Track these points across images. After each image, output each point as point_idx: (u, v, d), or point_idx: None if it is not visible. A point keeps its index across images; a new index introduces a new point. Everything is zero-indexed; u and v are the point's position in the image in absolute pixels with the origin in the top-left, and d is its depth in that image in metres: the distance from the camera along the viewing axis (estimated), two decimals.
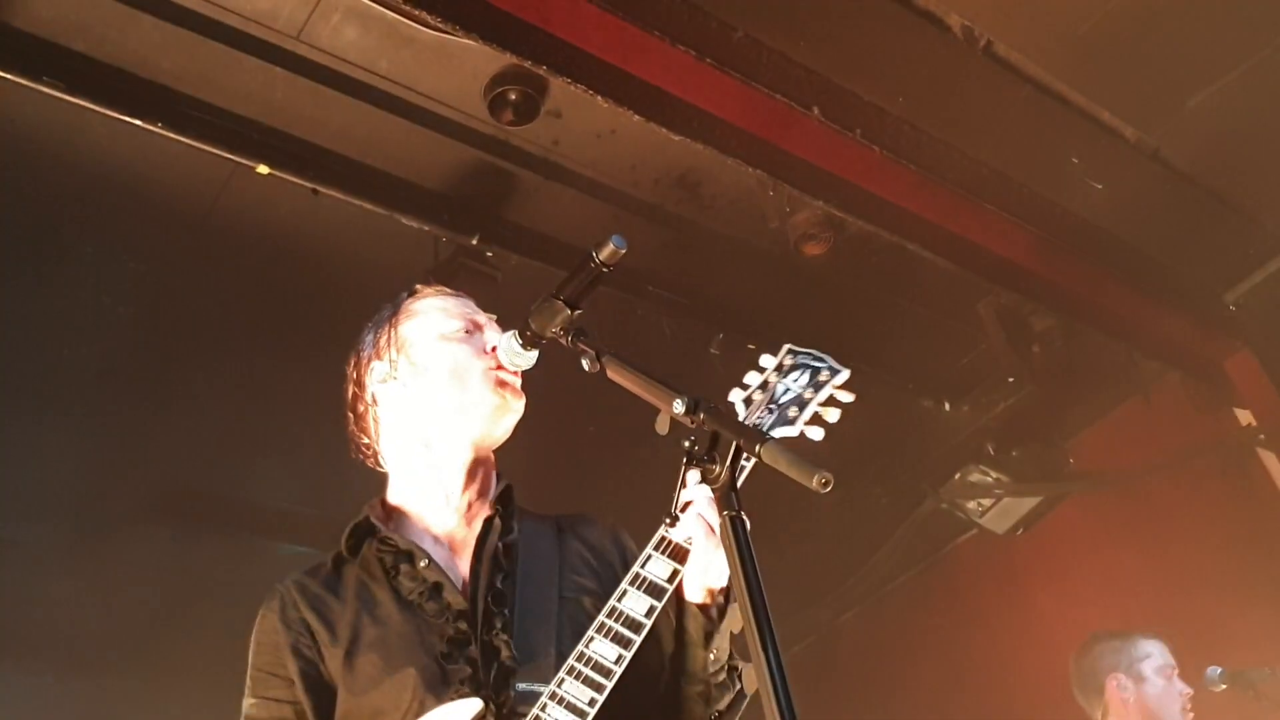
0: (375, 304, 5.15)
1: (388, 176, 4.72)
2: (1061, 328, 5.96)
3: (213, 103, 4.30)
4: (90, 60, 4.05)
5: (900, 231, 4.95)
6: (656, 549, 2.07)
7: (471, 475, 2.39)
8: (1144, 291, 5.71)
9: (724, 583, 2.11)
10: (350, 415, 2.51)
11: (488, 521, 2.35)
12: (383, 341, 2.48)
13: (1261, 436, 5.91)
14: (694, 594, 2.14)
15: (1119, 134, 5.15)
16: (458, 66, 4.32)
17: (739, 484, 1.78)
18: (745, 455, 1.75)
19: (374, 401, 2.47)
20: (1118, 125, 5.13)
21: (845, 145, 4.59)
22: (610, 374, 2.04)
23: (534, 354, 2.30)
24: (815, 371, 2.36)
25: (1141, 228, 5.56)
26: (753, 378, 2.37)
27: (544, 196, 5.00)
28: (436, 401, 2.37)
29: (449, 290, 2.61)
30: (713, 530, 2.02)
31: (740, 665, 2.18)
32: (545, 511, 2.54)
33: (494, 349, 2.39)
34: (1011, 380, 6.09)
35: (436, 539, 2.35)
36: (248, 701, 2.22)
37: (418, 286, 2.62)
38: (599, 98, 3.99)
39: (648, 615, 2.01)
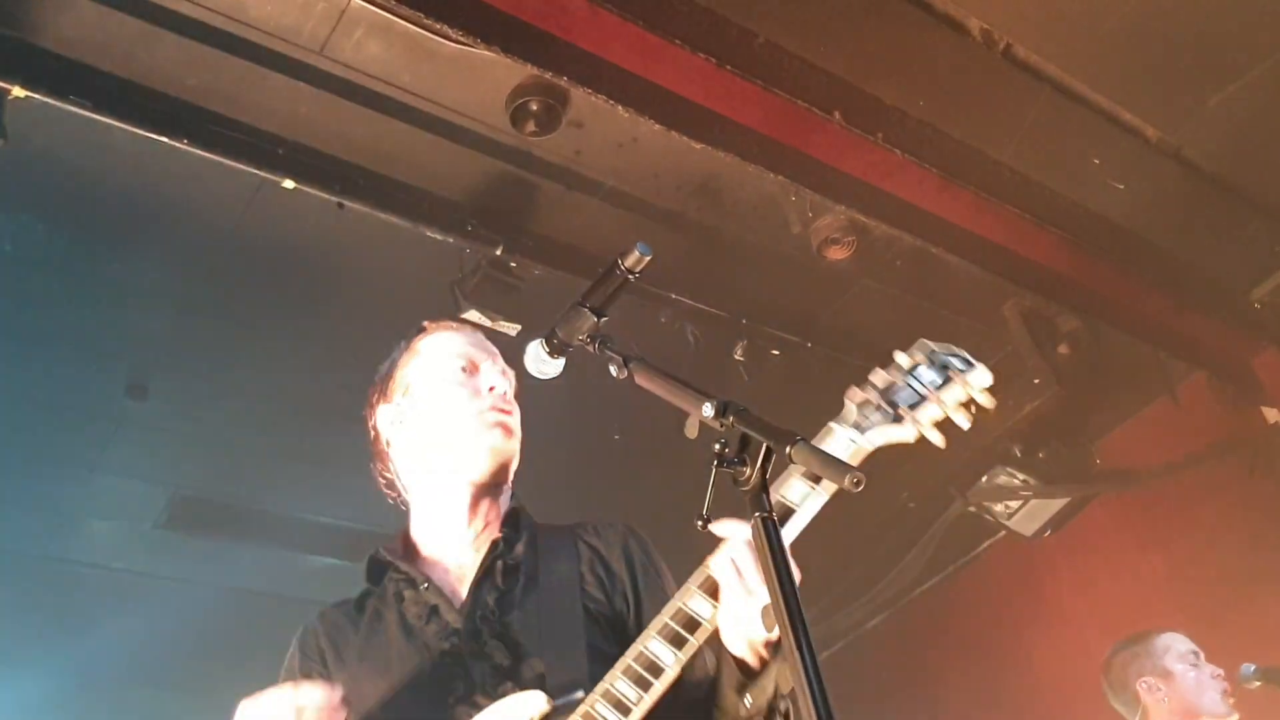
0: (400, 315, 5.20)
1: (412, 189, 4.76)
2: (1087, 329, 5.94)
3: (238, 119, 4.34)
4: (117, 79, 4.11)
5: (923, 234, 4.95)
6: (697, 584, 2.05)
7: (475, 509, 2.43)
8: (1169, 291, 5.68)
9: (768, 636, 2.01)
10: (372, 453, 2.58)
11: (493, 544, 2.39)
12: (390, 384, 2.55)
13: None
14: (733, 644, 2.07)
15: (1140, 134, 5.13)
16: (480, 79, 4.35)
17: (769, 486, 1.76)
18: (777, 456, 1.74)
19: (387, 443, 2.54)
20: (1139, 125, 5.11)
21: (867, 149, 4.60)
22: (639, 379, 2.04)
23: (561, 362, 2.30)
24: (948, 370, 2.21)
25: (1165, 227, 5.53)
26: (877, 376, 2.24)
27: (566, 206, 5.02)
28: (435, 445, 2.43)
29: (454, 325, 2.64)
30: (742, 575, 1.98)
31: (783, 704, 2.13)
32: (569, 519, 2.57)
33: (491, 389, 2.44)
34: (1037, 382, 6.05)
35: (447, 569, 2.41)
36: None
37: (425, 324, 2.66)
38: (620, 107, 4.02)
39: (672, 662, 2.00)
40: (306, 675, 2.27)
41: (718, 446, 1.79)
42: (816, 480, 2.07)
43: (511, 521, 2.46)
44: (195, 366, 5.14)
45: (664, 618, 2.05)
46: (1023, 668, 6.72)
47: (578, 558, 2.43)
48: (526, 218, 5.03)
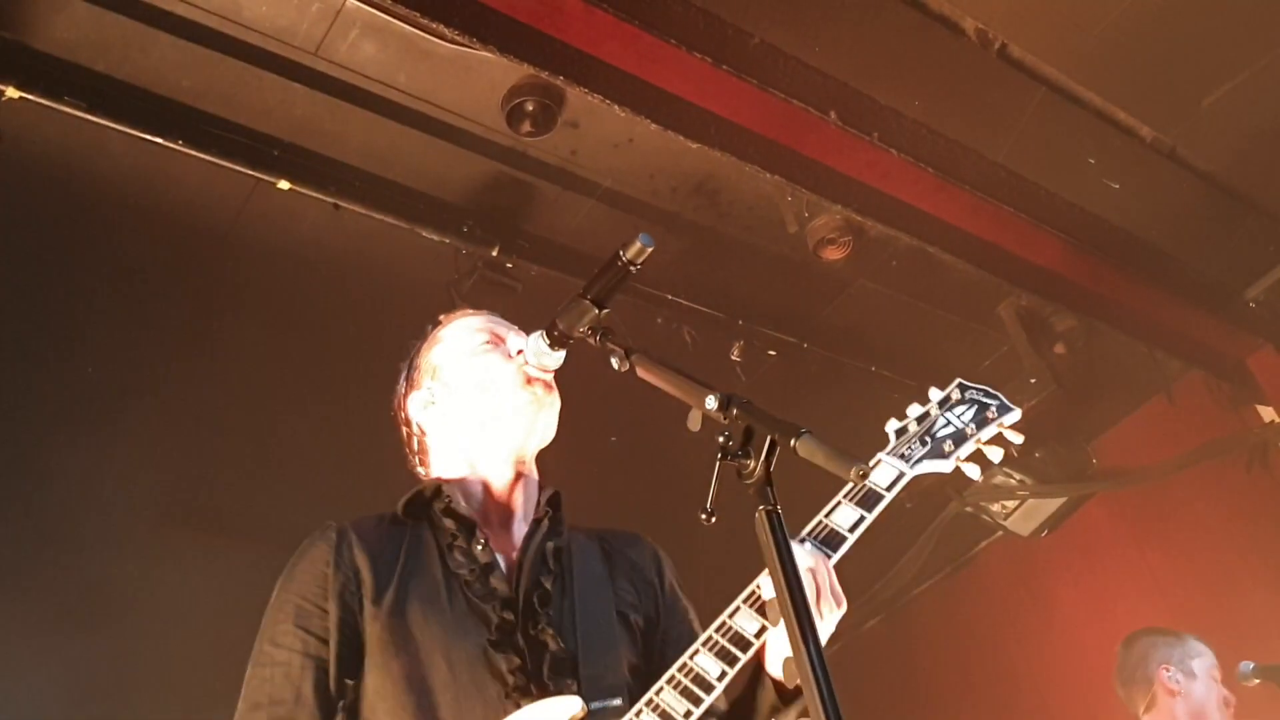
0: (396, 317, 5.19)
1: (408, 190, 4.76)
2: (1083, 328, 5.95)
3: (233, 120, 4.34)
4: (111, 80, 4.10)
5: (919, 234, 4.95)
6: (746, 601, 2.09)
7: (518, 479, 2.43)
8: (1164, 290, 5.68)
9: None
10: (408, 452, 2.57)
11: (536, 522, 2.38)
12: (416, 373, 2.56)
13: None
14: (773, 664, 2.13)
15: (1135, 133, 5.14)
16: (475, 79, 4.35)
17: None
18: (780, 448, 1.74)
19: (422, 431, 2.53)
20: (1134, 125, 5.12)
21: (863, 149, 4.60)
22: (640, 372, 2.04)
23: (562, 354, 2.31)
24: (983, 408, 2.38)
25: (1160, 227, 5.54)
26: (914, 409, 2.40)
27: (563, 207, 5.02)
28: (473, 414, 2.42)
29: (470, 309, 2.66)
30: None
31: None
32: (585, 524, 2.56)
33: (520, 351, 2.41)
34: (1034, 381, 6.06)
35: (495, 534, 2.36)
36: (281, 628, 2.19)
37: (441, 317, 2.68)
38: (616, 107, 4.02)
39: (719, 679, 2.01)
40: (340, 596, 2.19)
41: (721, 439, 1.79)
42: (869, 506, 2.18)
43: (554, 503, 2.45)
44: (191, 367, 5.12)
45: (712, 632, 2.07)
46: (1020, 668, 6.71)
47: (609, 562, 2.44)
48: (523, 218, 5.02)
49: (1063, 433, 6.52)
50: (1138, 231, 5.50)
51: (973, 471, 2.28)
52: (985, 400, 2.39)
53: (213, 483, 5.51)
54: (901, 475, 2.29)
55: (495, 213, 4.93)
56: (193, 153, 4.22)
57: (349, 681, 2.14)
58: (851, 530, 2.20)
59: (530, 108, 4.40)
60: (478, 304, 4.75)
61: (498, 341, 2.50)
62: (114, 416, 5.12)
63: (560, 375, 2.41)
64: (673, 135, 4.18)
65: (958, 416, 2.35)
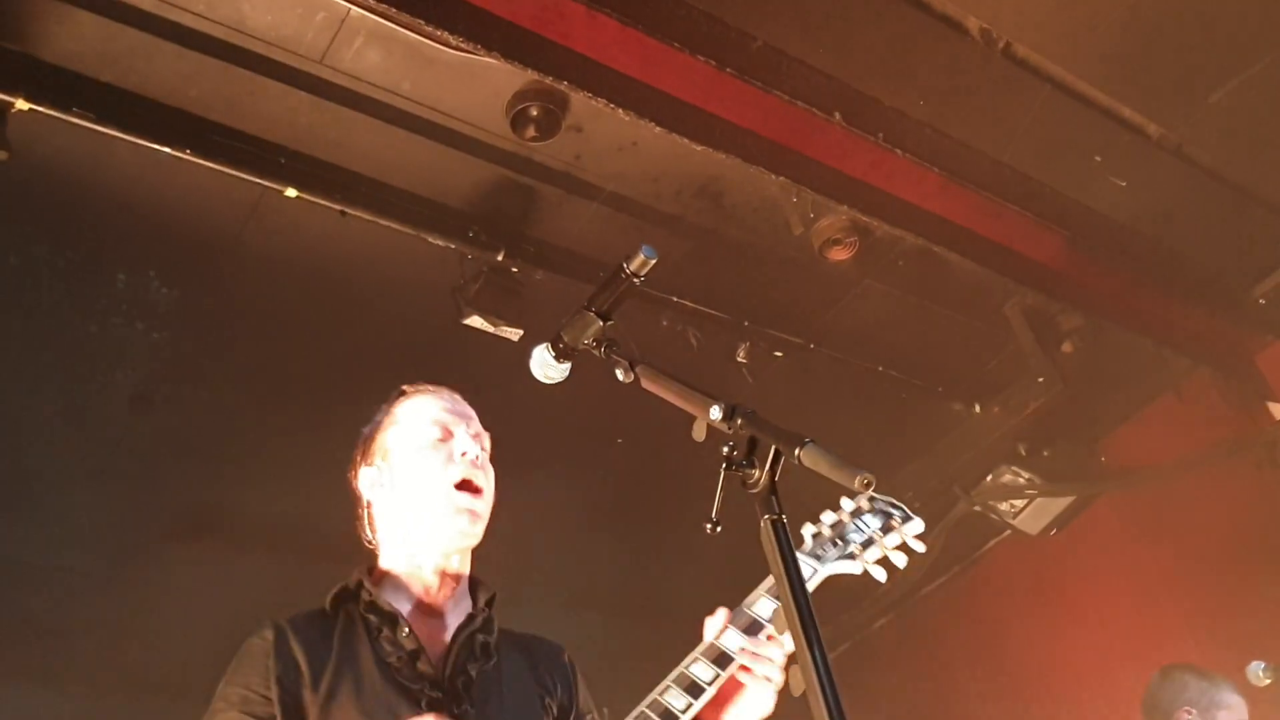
0: (403, 322, 5.21)
1: (413, 196, 4.77)
2: (1090, 327, 5.95)
3: (239, 128, 4.35)
4: (118, 90, 4.11)
5: (925, 234, 4.95)
6: (704, 653, 2.23)
7: (444, 575, 2.50)
8: (1172, 288, 5.68)
9: None
10: (356, 518, 2.65)
11: (471, 616, 2.46)
12: (371, 447, 2.63)
13: None
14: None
15: (1141, 131, 5.14)
16: (480, 85, 4.36)
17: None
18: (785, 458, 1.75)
19: (369, 505, 2.60)
20: (1140, 122, 5.12)
21: (867, 150, 4.60)
22: (645, 383, 2.05)
23: (567, 366, 2.31)
24: (889, 517, 2.56)
25: (1167, 224, 5.54)
26: (828, 516, 2.56)
27: (567, 211, 5.03)
28: (411, 509, 2.50)
29: (431, 389, 2.68)
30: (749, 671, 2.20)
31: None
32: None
33: (464, 454, 2.50)
34: (1041, 380, 6.07)
35: (422, 623, 2.45)
36: (226, 715, 2.25)
37: (405, 388, 2.72)
38: (619, 111, 4.03)
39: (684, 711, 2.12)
40: (280, 682, 2.26)
41: (726, 449, 1.80)
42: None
43: (474, 592, 2.55)
44: (199, 374, 5.14)
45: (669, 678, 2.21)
46: (1030, 666, 6.71)
47: (532, 661, 2.55)
48: (528, 223, 5.03)
49: (1071, 431, 6.52)
50: (1144, 229, 5.50)
51: (879, 574, 2.49)
52: (890, 510, 2.59)
53: (220, 491, 5.53)
54: (816, 572, 2.46)
55: (500, 218, 4.94)
56: (200, 162, 4.23)
57: None
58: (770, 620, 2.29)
59: (534, 113, 4.40)
60: (484, 308, 4.84)
61: (447, 437, 2.55)
62: (125, 425, 5.14)
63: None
64: (677, 138, 4.19)
65: (867, 523, 2.53)
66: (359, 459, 2.64)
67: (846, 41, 4.48)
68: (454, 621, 2.46)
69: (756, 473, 1.75)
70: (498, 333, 4.91)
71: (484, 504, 2.51)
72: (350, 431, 5.01)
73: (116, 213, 4.52)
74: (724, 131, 4.28)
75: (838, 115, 4.47)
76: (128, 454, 5.25)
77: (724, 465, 1.79)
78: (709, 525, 1.82)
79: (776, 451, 1.74)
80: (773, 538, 1.67)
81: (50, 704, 5.42)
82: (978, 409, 6.58)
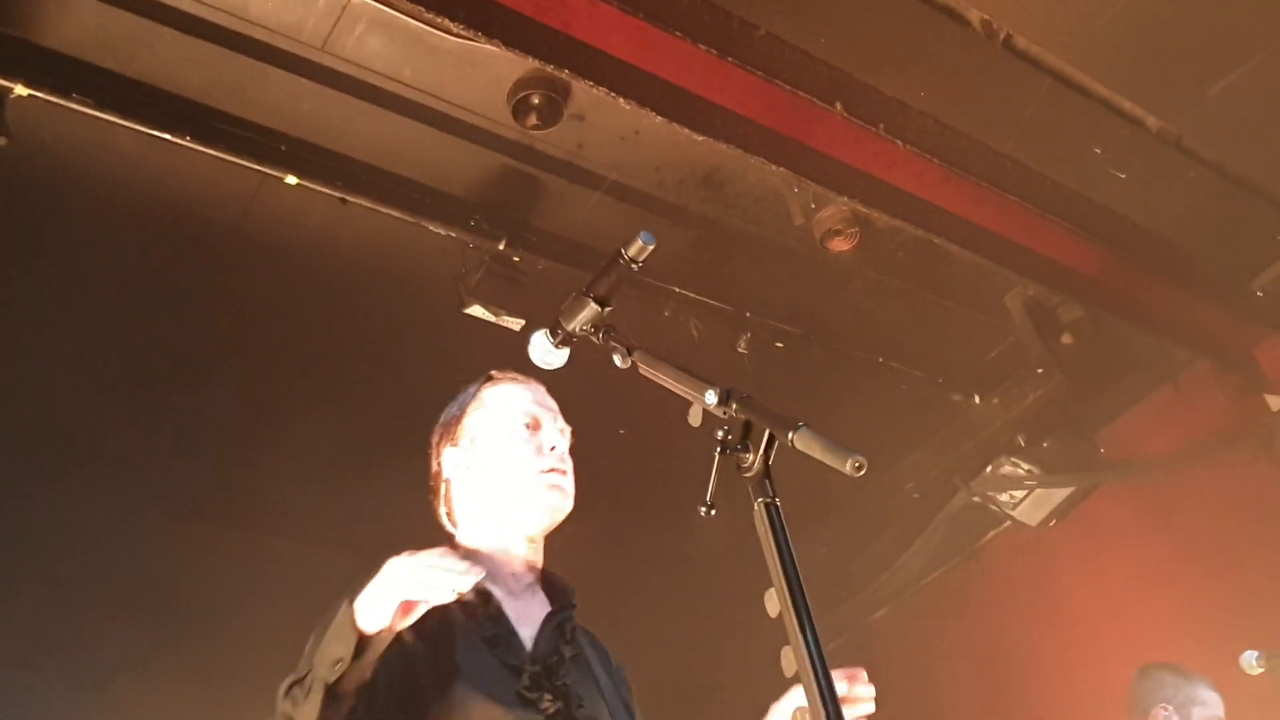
0: (404, 310, 5.21)
1: (414, 184, 4.77)
2: (1089, 318, 5.95)
3: (240, 115, 4.35)
4: (119, 77, 4.11)
5: (926, 225, 4.95)
6: None
7: (528, 556, 2.56)
8: (1171, 280, 5.68)
9: None
10: (431, 493, 2.68)
11: (559, 603, 2.52)
12: (457, 430, 2.66)
13: None
14: None
15: (1141, 123, 5.13)
16: (481, 73, 4.36)
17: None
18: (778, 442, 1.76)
19: (449, 484, 2.64)
20: (1140, 114, 5.12)
21: (869, 140, 4.60)
22: (642, 370, 2.06)
23: (565, 352, 2.32)
24: None
25: (1166, 216, 5.54)
26: None
27: (569, 200, 5.03)
28: (499, 495, 2.54)
29: (520, 378, 2.71)
30: None
31: None
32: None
33: (553, 448, 2.56)
34: (1040, 371, 6.08)
35: (505, 596, 2.48)
36: None
37: (493, 373, 2.76)
38: (622, 100, 4.02)
39: None
40: None
41: (720, 434, 1.81)
42: None
43: (552, 581, 2.59)
44: (198, 361, 5.15)
45: None
46: (1029, 658, 6.72)
47: (598, 649, 2.60)
48: (529, 212, 5.03)
49: (1070, 422, 6.53)
50: (1144, 221, 5.50)
51: None
52: None
53: (222, 477, 5.54)
54: None
55: (502, 206, 4.94)
56: (200, 148, 4.22)
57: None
58: None
59: (536, 101, 4.40)
60: (486, 298, 4.85)
61: (536, 428, 2.60)
62: (122, 410, 5.15)
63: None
64: (679, 128, 4.19)
65: None
66: (441, 440, 2.67)
67: (848, 31, 4.48)
68: (535, 604, 2.51)
69: (750, 456, 1.77)
70: (499, 322, 4.91)
71: (570, 489, 2.58)
72: (351, 418, 5.04)
73: (117, 200, 4.52)
74: (725, 121, 4.28)
75: (839, 106, 4.47)
76: (126, 438, 5.25)
77: (719, 449, 1.81)
78: (704, 509, 1.83)
79: (770, 435, 1.75)
80: (766, 522, 1.68)
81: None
82: (977, 400, 6.59)
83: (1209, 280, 5.82)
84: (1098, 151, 5.13)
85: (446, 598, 1.97)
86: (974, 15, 4.58)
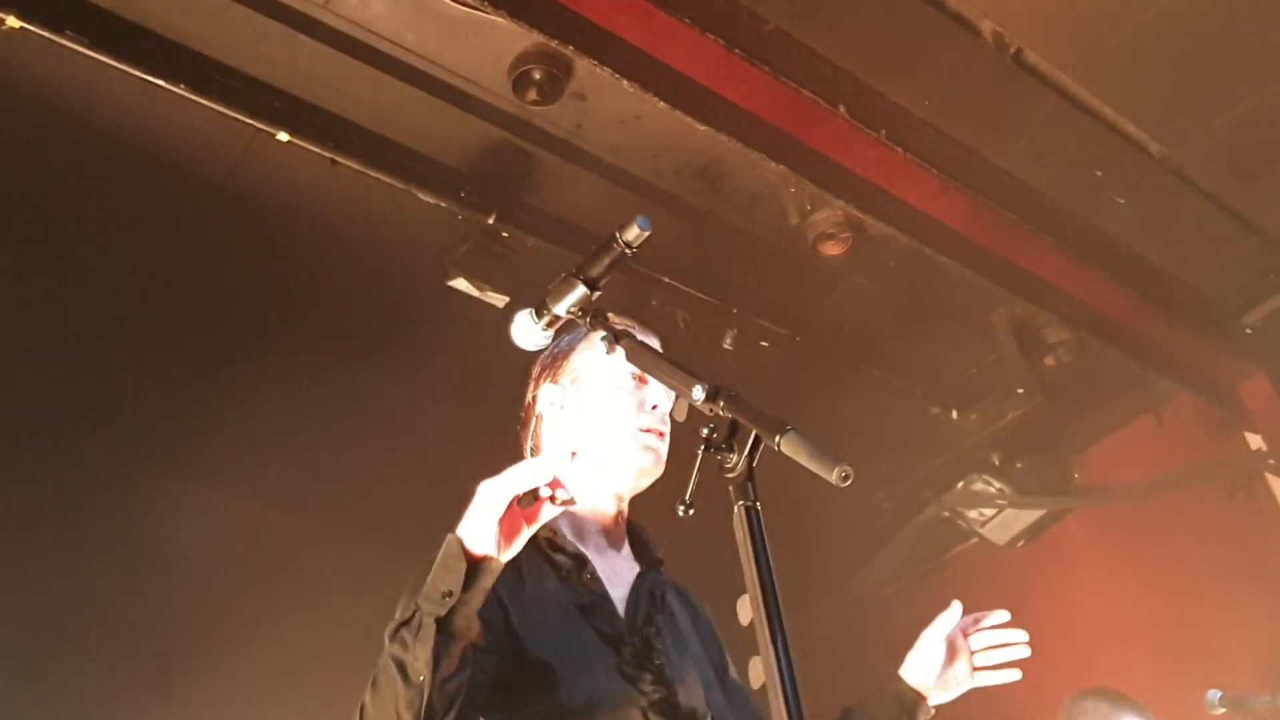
0: (387, 277, 5.15)
1: (407, 150, 4.69)
2: (1074, 341, 5.93)
3: (237, 67, 4.27)
4: (115, 17, 4.01)
5: (919, 236, 4.92)
6: None
7: (616, 517, 2.46)
8: (1161, 309, 5.66)
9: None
10: (521, 425, 2.58)
11: (649, 567, 2.43)
12: (560, 367, 2.54)
13: (1271, 461, 5.85)
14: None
15: (1144, 149, 5.10)
16: (484, 43, 4.29)
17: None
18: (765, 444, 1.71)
19: (540, 420, 2.53)
20: (1143, 140, 5.08)
21: (869, 145, 4.56)
22: (628, 358, 2.01)
23: (549, 333, 2.25)
24: None
25: (1162, 245, 5.52)
26: None
27: (564, 180, 4.97)
28: (594, 445, 2.41)
29: (635, 326, 2.50)
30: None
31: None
32: None
33: (655, 407, 2.44)
34: (1021, 391, 6.06)
35: (597, 558, 2.40)
36: None
37: (610, 315, 2.64)
38: (625, 82, 3.97)
39: None
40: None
41: (705, 431, 1.76)
42: None
43: (637, 534, 2.50)
44: (180, 312, 5.08)
45: None
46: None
47: (689, 605, 2.53)
48: (522, 188, 4.97)
49: (1046, 445, 6.52)
50: (1139, 248, 5.48)
51: None
52: None
53: (194, 434, 5.46)
54: None
55: (494, 180, 4.87)
56: (194, 98, 4.14)
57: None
58: None
59: (537, 76, 4.33)
60: (470, 271, 4.80)
61: (642, 384, 2.47)
62: (103, 361, 5.07)
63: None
64: (680, 116, 4.13)
65: None
66: (542, 373, 2.55)
67: (856, 33, 4.43)
68: (623, 562, 2.42)
69: (735, 457, 1.72)
70: (483, 297, 4.85)
71: (664, 454, 2.46)
72: (328, 380, 4.97)
73: (103, 142, 4.44)
74: (728, 113, 4.23)
75: (842, 108, 4.42)
76: (103, 390, 5.18)
77: (702, 447, 1.76)
78: (682, 508, 1.78)
79: (756, 437, 1.70)
80: (746, 526, 1.64)
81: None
82: (955, 415, 6.56)
83: (1199, 313, 5.80)
84: (1099, 174, 5.10)
85: (544, 478, 1.86)
86: (986, 26, 4.54)
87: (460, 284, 4.81)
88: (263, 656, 5.27)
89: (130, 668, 5.26)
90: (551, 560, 2.32)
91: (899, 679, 2.56)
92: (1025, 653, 2.44)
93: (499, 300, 4.82)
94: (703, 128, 4.18)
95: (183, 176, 4.66)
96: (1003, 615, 2.54)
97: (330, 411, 5.31)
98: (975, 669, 2.51)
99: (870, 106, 4.52)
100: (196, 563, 5.35)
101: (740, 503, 1.67)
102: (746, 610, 1.65)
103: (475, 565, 1.87)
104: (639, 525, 2.51)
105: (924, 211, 4.89)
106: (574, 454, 1.91)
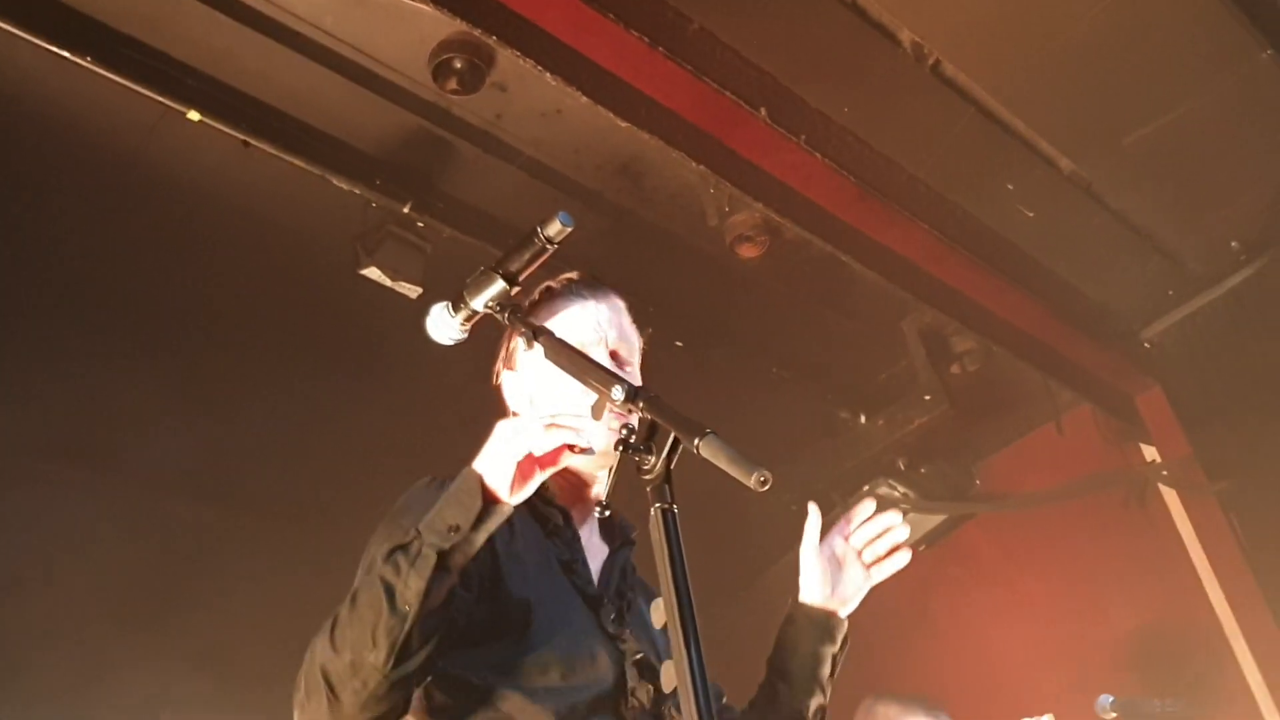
0: (297, 263, 5.06)
1: (322, 135, 4.61)
2: (981, 351, 6.04)
3: (149, 44, 4.16)
4: None
5: (834, 241, 4.97)
6: None
7: (600, 490, 2.38)
8: (1065, 322, 5.77)
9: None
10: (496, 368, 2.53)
11: (624, 540, 2.41)
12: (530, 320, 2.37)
13: (1164, 473, 6.02)
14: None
15: (1055, 164, 5.19)
16: (406, 29, 4.22)
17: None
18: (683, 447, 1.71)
19: (508, 355, 2.52)
20: (1054, 156, 5.17)
21: (788, 150, 4.58)
22: (547, 355, 1.99)
23: (466, 329, 2.22)
24: None
25: (1067, 259, 5.62)
26: None
27: (482, 171, 4.91)
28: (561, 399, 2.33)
29: (601, 290, 2.59)
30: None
31: None
32: None
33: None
34: (928, 398, 6.14)
35: (577, 521, 2.36)
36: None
37: (577, 276, 2.61)
38: (547, 75, 3.94)
39: None
40: None
41: (624, 432, 1.75)
42: None
43: (609, 516, 2.41)
44: (81, 290, 4.94)
45: None
46: (886, 680, 6.77)
47: (650, 595, 2.45)
48: (439, 177, 4.90)
49: (950, 452, 6.61)
50: (1045, 261, 5.57)
51: None
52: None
53: (99, 418, 5.32)
54: None
55: (411, 169, 4.81)
56: (104, 73, 4.03)
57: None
58: None
59: (458, 65, 4.28)
60: (383, 261, 4.73)
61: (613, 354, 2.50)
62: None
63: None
64: (602, 111, 4.11)
65: None
66: (516, 328, 2.36)
67: (780, 37, 4.43)
68: (594, 538, 2.38)
69: (653, 459, 1.71)
70: (395, 287, 4.79)
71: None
72: (235, 364, 4.86)
73: (10, 114, 4.30)
74: (650, 111, 4.23)
75: (764, 111, 4.44)
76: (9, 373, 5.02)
77: (619, 447, 1.74)
78: (599, 509, 1.78)
79: (675, 440, 1.69)
80: (662, 529, 1.63)
81: None
82: (863, 419, 6.64)
83: (1101, 326, 5.92)
84: (1010, 187, 5.18)
85: (575, 439, 1.84)
86: (905, 36, 4.57)
87: (373, 273, 4.75)
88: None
89: None
90: (539, 512, 2.28)
91: (801, 605, 2.49)
92: (905, 532, 2.43)
93: (412, 291, 4.76)
94: (624, 124, 4.16)
95: (89, 154, 4.52)
96: (870, 506, 2.52)
97: (236, 396, 5.20)
98: (868, 565, 2.46)
99: (791, 111, 4.54)
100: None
101: (657, 505, 1.66)
102: (660, 614, 1.64)
103: (488, 505, 1.85)
104: (610, 505, 2.47)
105: (840, 218, 4.94)
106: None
